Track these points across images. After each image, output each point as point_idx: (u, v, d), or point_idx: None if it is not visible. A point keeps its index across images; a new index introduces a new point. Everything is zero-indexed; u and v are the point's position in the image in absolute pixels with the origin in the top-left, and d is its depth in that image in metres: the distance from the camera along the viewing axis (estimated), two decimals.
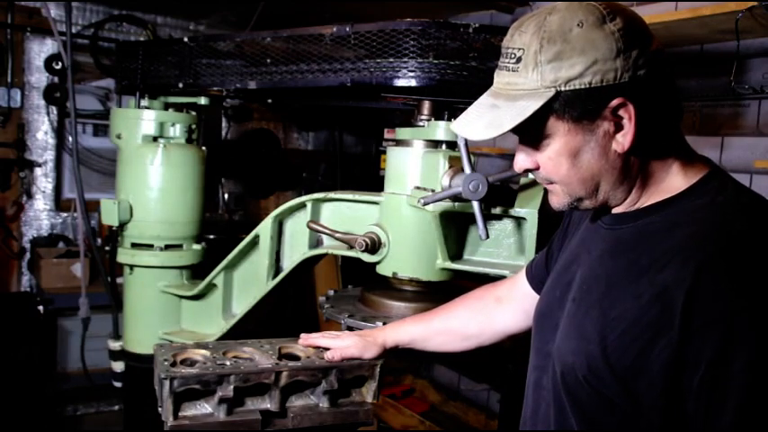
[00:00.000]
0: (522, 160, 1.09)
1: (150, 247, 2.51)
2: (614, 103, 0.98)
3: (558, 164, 1.04)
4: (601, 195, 1.06)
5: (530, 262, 1.48)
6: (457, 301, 1.60)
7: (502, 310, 1.51)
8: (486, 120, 1.04)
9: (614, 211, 1.11)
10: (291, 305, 4.12)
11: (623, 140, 1.00)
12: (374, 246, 1.87)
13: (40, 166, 4.36)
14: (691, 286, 0.91)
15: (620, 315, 0.99)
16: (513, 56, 1.02)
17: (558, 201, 1.10)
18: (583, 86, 0.97)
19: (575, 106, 0.98)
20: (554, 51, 0.97)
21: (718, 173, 1.06)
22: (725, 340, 0.89)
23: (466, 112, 1.09)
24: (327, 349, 1.58)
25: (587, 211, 1.19)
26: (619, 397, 0.99)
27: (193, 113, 2.60)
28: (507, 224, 1.82)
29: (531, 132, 1.04)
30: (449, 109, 1.91)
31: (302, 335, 1.64)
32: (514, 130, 1.02)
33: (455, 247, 1.86)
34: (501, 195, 1.75)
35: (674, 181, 1.05)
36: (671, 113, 1.05)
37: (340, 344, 1.56)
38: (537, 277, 1.40)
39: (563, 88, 0.97)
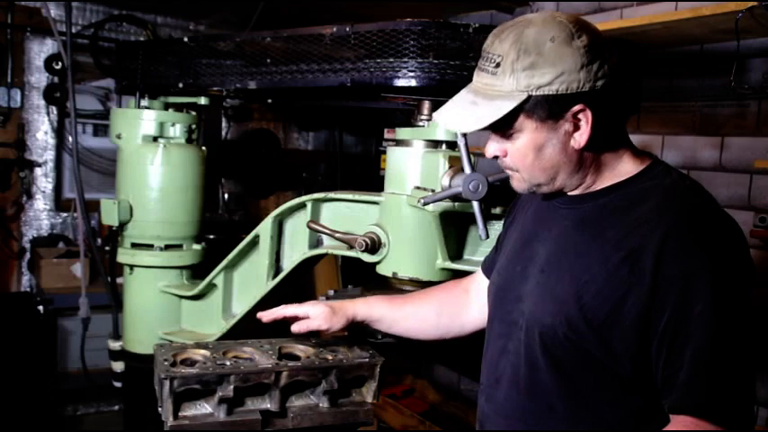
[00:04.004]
0: (493, 149, 1.26)
1: (150, 247, 2.51)
2: (576, 108, 1.16)
3: (525, 155, 1.22)
4: (558, 183, 1.25)
5: (483, 260, 1.59)
6: (428, 291, 1.68)
7: (469, 303, 1.60)
8: (468, 114, 1.21)
9: (570, 193, 1.29)
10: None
11: (580, 139, 1.18)
12: (374, 246, 1.87)
13: (40, 166, 4.36)
14: (658, 249, 1.10)
15: (593, 278, 1.17)
16: (492, 60, 1.19)
17: (519, 185, 1.29)
18: (551, 93, 1.15)
19: (543, 108, 1.16)
20: (529, 61, 1.14)
21: (660, 161, 1.27)
22: (685, 291, 1.08)
23: (447, 105, 1.25)
24: (327, 349, 1.58)
25: (534, 197, 1.37)
26: (595, 347, 1.16)
27: (193, 113, 2.60)
28: None
29: (504, 127, 1.21)
30: None
31: (259, 313, 1.64)
32: (491, 125, 1.19)
33: (455, 247, 1.86)
34: (501, 195, 1.75)
35: (625, 167, 1.25)
36: (623, 115, 1.27)
37: (309, 311, 1.57)
38: (490, 271, 1.51)
39: (534, 93, 1.15)
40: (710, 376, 1.09)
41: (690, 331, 1.08)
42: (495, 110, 1.17)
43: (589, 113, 1.16)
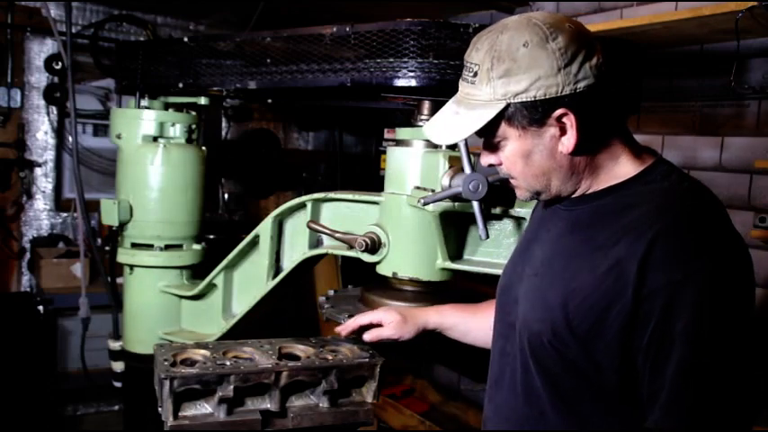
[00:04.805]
0: (486, 159, 1.25)
1: (150, 247, 2.51)
2: (558, 112, 1.12)
3: (514, 163, 1.20)
4: (553, 189, 1.22)
5: None
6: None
7: None
8: (450, 126, 1.20)
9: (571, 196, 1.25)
10: (291, 305, 4.12)
11: (567, 143, 1.14)
12: (374, 246, 1.87)
13: (40, 166, 4.36)
14: (643, 258, 1.05)
15: (580, 286, 1.13)
16: (471, 70, 1.16)
17: (521, 193, 1.26)
18: (529, 99, 1.11)
19: (523, 116, 1.13)
20: (503, 69, 1.11)
21: (662, 162, 1.21)
22: (670, 304, 1.03)
23: (435, 116, 1.23)
24: (327, 349, 1.58)
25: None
26: (580, 358, 1.13)
27: (193, 113, 2.60)
28: (507, 224, 1.82)
29: (490, 136, 1.19)
30: None
31: (336, 328, 1.66)
32: (478, 134, 1.17)
33: (455, 247, 1.86)
34: (501, 195, 1.75)
35: (623, 168, 1.19)
36: (616, 113, 1.19)
37: (383, 318, 1.58)
38: None
39: (512, 100, 1.12)
40: (691, 397, 1.03)
41: (673, 348, 1.03)
42: (474, 120, 1.15)
43: (573, 117, 1.11)
